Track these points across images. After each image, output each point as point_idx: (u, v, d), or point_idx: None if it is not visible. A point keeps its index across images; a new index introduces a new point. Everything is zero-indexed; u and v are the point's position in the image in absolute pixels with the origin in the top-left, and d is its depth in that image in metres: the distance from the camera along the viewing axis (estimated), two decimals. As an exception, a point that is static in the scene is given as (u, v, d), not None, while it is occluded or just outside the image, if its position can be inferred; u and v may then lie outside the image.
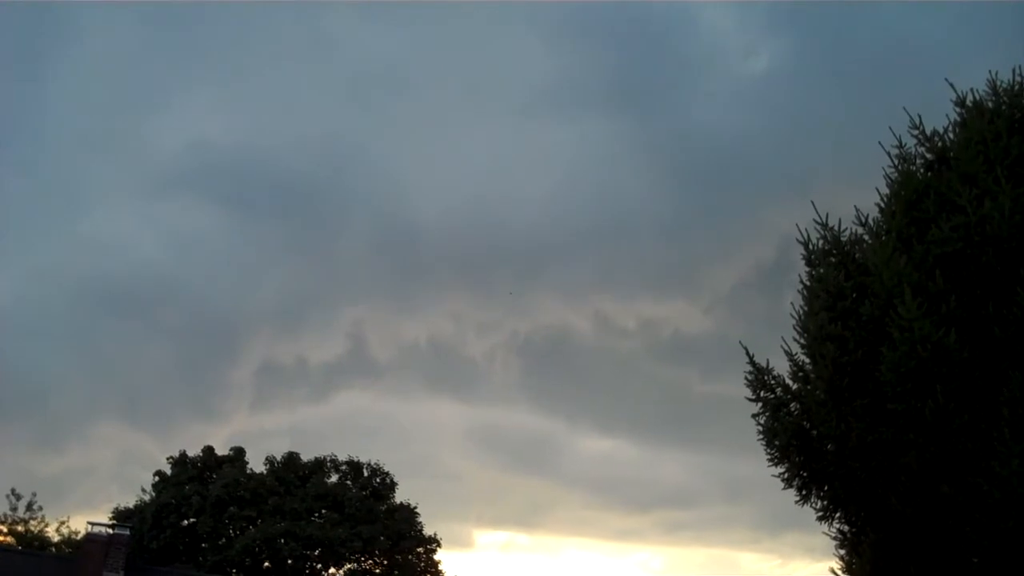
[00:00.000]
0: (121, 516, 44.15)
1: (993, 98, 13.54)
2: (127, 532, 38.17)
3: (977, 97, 13.62)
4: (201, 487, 44.32)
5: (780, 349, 14.36)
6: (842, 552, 13.81)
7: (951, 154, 13.46)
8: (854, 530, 13.66)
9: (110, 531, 37.67)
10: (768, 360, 14.52)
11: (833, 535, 13.94)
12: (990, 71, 13.66)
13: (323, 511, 44.72)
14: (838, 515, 13.85)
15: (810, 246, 14.28)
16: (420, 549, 45.78)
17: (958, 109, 13.75)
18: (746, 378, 14.55)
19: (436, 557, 46.36)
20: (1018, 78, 13.37)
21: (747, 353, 14.54)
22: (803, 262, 14.40)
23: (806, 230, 14.27)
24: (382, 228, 59.50)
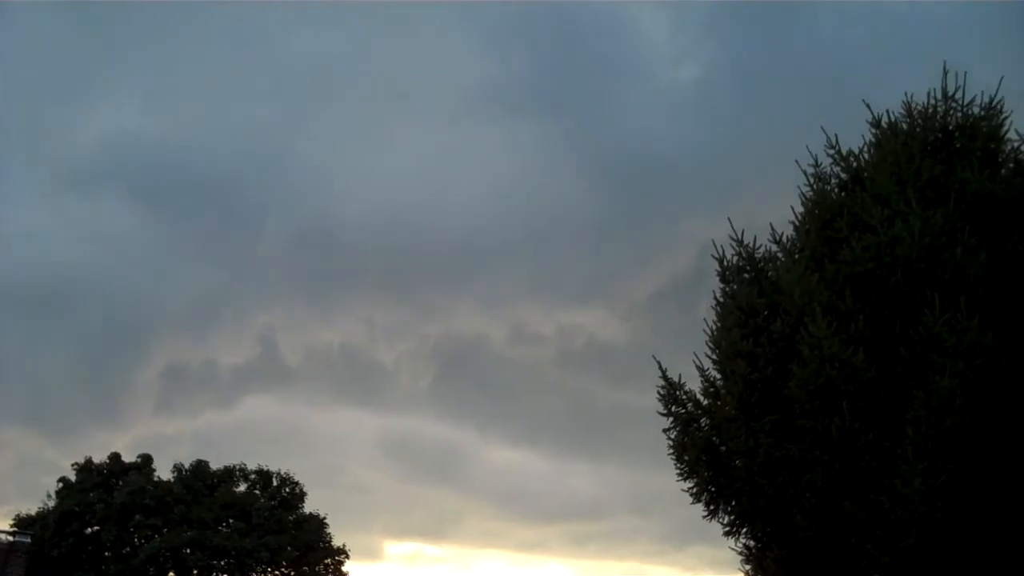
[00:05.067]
0: (22, 523, 42.97)
1: (908, 120, 13.76)
2: (28, 539, 37.21)
3: (892, 118, 13.84)
4: (106, 494, 43.33)
5: (692, 360, 14.43)
6: (748, 567, 13.85)
7: (865, 174, 13.63)
8: (759, 545, 13.69)
9: (10, 538, 36.68)
10: (680, 375, 14.57)
11: (739, 550, 13.98)
12: (905, 93, 13.90)
13: (231, 520, 44.02)
14: (744, 530, 13.89)
15: (725, 262, 14.36)
16: (328, 560, 45.24)
17: (873, 130, 13.95)
18: (658, 392, 14.57)
19: (344, 568, 45.92)
20: (932, 100, 13.59)
21: (660, 368, 14.57)
22: (717, 278, 14.47)
23: (721, 246, 14.38)
24: (301, 230, 58.76)
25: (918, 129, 13.59)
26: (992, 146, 13.28)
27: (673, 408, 14.45)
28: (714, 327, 14.16)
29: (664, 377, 14.54)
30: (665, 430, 14.43)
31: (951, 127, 13.51)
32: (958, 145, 13.39)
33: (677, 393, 14.50)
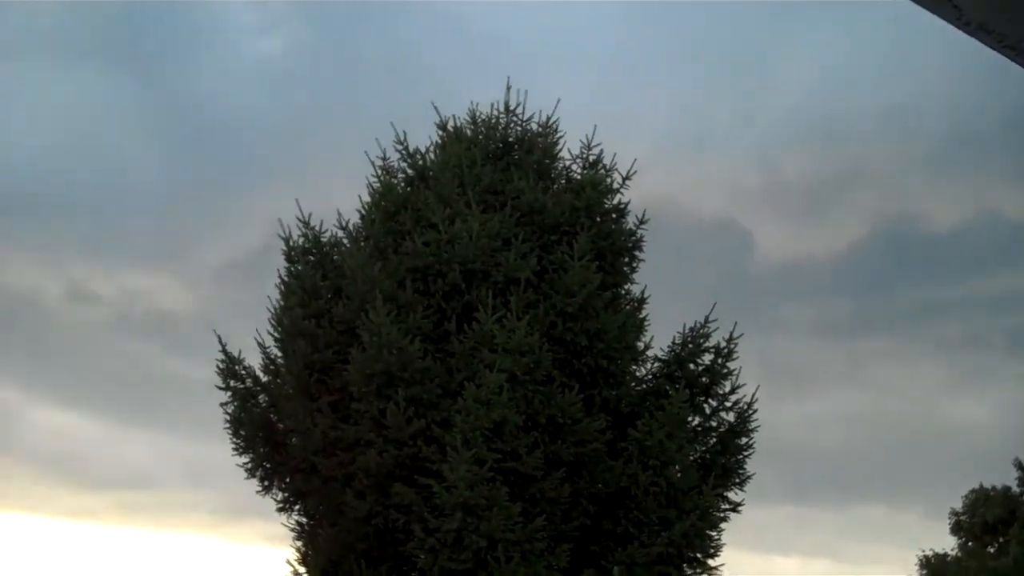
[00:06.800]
0: None
1: (472, 127, 14.64)
2: None
3: (458, 123, 14.66)
4: None
5: (254, 337, 14.56)
6: (299, 544, 14.13)
7: (430, 173, 14.35)
8: (311, 522, 14.10)
9: None
10: (240, 350, 14.65)
11: (291, 526, 14.29)
12: (471, 102, 14.74)
13: None
14: (297, 507, 14.25)
15: (291, 242, 14.52)
16: None
17: (440, 132, 14.70)
18: (218, 366, 14.55)
19: None
20: (496, 112, 14.58)
21: (220, 341, 14.56)
22: (283, 257, 14.66)
23: (288, 226, 14.53)
24: None
25: (481, 137, 14.52)
26: (547, 161, 14.48)
27: (232, 383, 14.50)
28: (278, 305, 14.34)
29: (224, 351, 14.55)
30: (223, 404, 14.47)
31: (511, 139, 14.57)
32: (516, 156, 14.49)
33: (236, 368, 14.56)
